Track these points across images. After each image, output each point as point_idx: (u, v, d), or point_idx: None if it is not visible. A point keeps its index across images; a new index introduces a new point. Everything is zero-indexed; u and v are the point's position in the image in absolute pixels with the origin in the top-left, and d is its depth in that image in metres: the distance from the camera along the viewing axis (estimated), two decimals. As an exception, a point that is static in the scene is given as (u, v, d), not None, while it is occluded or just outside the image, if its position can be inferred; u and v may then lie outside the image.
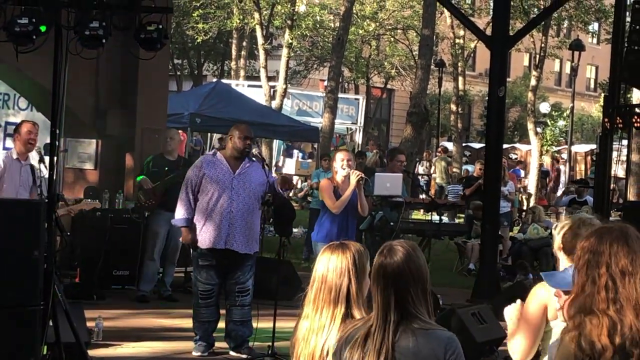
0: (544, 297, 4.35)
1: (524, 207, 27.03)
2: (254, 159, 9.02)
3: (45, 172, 8.69)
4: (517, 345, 4.34)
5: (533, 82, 32.71)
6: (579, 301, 3.17)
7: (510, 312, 4.36)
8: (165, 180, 11.72)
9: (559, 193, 29.70)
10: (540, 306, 4.39)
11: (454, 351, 3.49)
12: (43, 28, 7.45)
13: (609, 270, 3.15)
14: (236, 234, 8.87)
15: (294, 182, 30.13)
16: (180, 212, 8.99)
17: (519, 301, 4.39)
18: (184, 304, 11.05)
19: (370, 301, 3.77)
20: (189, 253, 11.47)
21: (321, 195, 10.11)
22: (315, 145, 29.15)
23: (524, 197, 28.81)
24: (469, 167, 31.47)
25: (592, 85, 58.51)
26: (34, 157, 10.37)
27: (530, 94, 32.80)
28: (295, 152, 32.05)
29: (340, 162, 9.93)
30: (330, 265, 3.96)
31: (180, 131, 23.45)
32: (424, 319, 3.49)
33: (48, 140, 8.48)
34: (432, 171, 31.38)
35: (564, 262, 4.37)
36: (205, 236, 8.90)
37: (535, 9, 32.27)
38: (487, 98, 14.69)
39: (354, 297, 3.93)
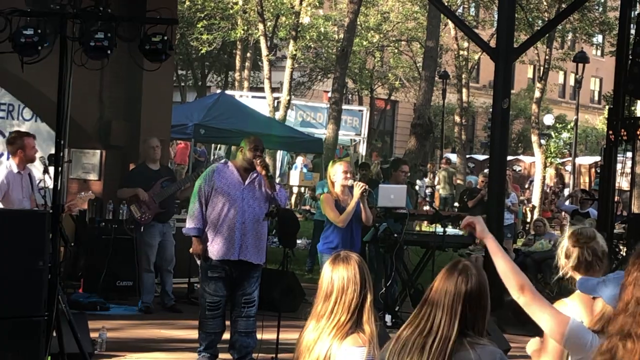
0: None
1: (528, 219, 26.99)
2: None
3: (49, 183, 8.67)
4: None
5: (537, 94, 32.71)
6: (621, 320, 3.01)
7: (531, 345, 4.30)
8: (163, 191, 11.73)
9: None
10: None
11: None
12: (48, 39, 7.46)
13: None
14: (249, 245, 8.87)
15: (295, 191, 30.15)
16: (191, 222, 8.94)
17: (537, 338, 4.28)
18: (188, 315, 11.06)
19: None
20: (192, 263, 11.49)
21: (323, 209, 10.10)
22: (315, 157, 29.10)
23: (527, 208, 28.79)
24: (472, 179, 31.46)
25: (596, 98, 58.51)
26: (38, 167, 10.30)
27: (534, 106, 32.79)
28: (300, 162, 31.95)
29: (341, 175, 9.93)
30: (348, 275, 4.10)
31: (183, 141, 23.54)
32: (474, 335, 3.68)
33: (53, 151, 8.46)
34: (435, 182, 31.38)
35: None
36: (217, 247, 8.85)
37: (540, 21, 32.30)
38: (491, 110, 14.69)
39: (369, 304, 4.09)
